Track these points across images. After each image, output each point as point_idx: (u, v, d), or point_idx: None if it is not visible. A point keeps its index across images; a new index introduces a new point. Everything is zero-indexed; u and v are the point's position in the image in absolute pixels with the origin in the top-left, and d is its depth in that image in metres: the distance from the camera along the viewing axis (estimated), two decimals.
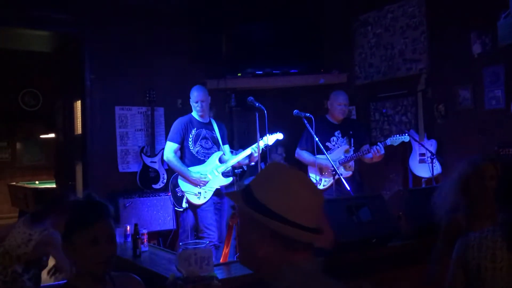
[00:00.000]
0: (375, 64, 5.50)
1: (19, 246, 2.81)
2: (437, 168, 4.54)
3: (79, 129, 5.70)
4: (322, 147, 3.85)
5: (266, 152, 4.16)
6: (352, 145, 4.29)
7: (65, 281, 1.69)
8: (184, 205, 4.42)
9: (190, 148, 4.14)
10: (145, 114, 5.47)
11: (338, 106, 4.32)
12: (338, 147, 4.27)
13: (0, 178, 9.12)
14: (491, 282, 1.79)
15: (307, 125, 3.85)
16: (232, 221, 3.40)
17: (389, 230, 2.78)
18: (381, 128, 5.48)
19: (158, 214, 4.96)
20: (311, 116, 3.84)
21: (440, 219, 2.45)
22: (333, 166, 3.84)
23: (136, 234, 3.05)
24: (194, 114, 4.23)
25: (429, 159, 4.33)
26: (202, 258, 2.22)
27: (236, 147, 5.12)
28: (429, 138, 4.78)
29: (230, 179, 4.25)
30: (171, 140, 4.13)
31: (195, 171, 4.09)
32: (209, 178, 4.09)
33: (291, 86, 5.87)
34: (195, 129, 4.15)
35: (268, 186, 1.22)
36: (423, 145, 4.48)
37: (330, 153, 4.07)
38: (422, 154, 4.75)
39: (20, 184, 8.47)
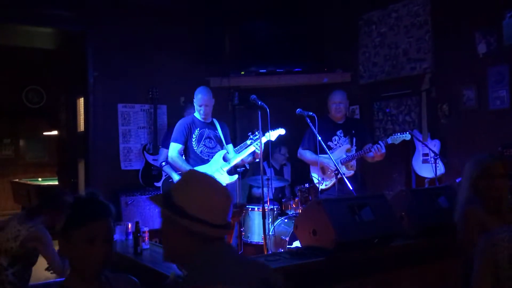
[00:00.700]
0: (379, 63, 5.48)
1: (8, 240, 2.85)
2: (441, 169, 4.51)
3: (81, 126, 5.71)
4: (324, 146, 3.83)
5: (269, 150, 4.13)
6: (354, 144, 4.27)
7: (62, 279, 1.67)
8: None
9: (194, 148, 4.13)
10: (148, 112, 5.47)
11: (333, 105, 4.32)
12: (340, 146, 4.26)
13: (3, 175, 9.14)
14: None
15: (310, 124, 3.83)
16: (233, 219, 3.39)
17: (392, 230, 2.76)
18: (385, 127, 5.45)
19: None
20: (314, 115, 3.82)
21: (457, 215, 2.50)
22: (335, 165, 3.82)
23: (137, 232, 3.04)
24: (197, 114, 4.22)
25: (432, 159, 4.31)
26: None
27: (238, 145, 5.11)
28: (432, 138, 4.76)
29: (236, 176, 4.24)
30: (175, 141, 4.12)
31: (200, 170, 4.08)
32: (215, 177, 4.08)
33: (295, 85, 5.85)
34: (198, 129, 4.15)
35: (185, 190, 1.44)
36: (426, 145, 4.46)
37: (331, 152, 4.05)
38: (426, 154, 4.72)
39: (23, 181, 8.50)
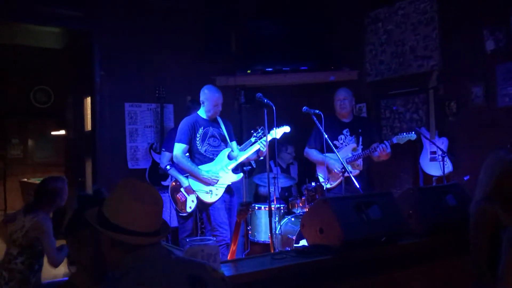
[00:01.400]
0: (386, 61, 5.45)
1: (16, 231, 3.12)
2: (448, 167, 4.48)
3: (89, 126, 5.73)
4: (331, 145, 3.81)
5: (275, 148, 4.12)
6: (361, 143, 4.25)
7: (65, 278, 1.67)
8: (189, 209, 4.41)
9: (198, 147, 4.12)
10: (155, 111, 5.48)
11: (338, 102, 4.31)
12: (346, 145, 4.24)
13: (12, 175, 9.20)
14: None
15: (316, 122, 3.81)
16: (240, 217, 3.38)
17: (399, 228, 2.74)
18: (392, 125, 5.42)
19: (167, 211, 4.96)
20: (320, 112, 3.81)
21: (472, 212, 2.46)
22: (342, 164, 3.81)
23: None
24: (201, 113, 4.21)
25: (440, 157, 4.27)
26: (209, 254, 2.20)
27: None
28: (440, 136, 4.72)
29: (241, 175, 4.24)
30: (179, 141, 4.11)
31: (205, 169, 4.07)
32: (220, 176, 4.08)
33: (301, 83, 5.84)
34: (202, 127, 4.13)
35: (111, 201, 1.46)
36: (434, 143, 4.43)
37: (338, 151, 4.03)
38: (433, 152, 4.69)
39: (32, 180, 8.54)
